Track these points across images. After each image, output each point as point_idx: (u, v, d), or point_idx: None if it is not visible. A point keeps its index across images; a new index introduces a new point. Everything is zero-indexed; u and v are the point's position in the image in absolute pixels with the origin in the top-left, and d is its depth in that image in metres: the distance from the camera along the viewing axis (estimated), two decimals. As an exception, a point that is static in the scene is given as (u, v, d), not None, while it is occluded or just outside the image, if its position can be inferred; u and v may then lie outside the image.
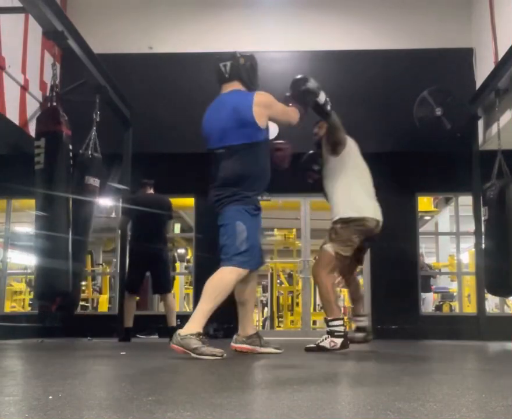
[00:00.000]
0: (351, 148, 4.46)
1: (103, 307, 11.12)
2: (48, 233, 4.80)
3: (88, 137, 5.98)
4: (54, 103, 5.24)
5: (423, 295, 9.02)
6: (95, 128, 6.01)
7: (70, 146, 5.11)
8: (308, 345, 4.25)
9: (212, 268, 3.62)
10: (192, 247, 9.06)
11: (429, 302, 10.59)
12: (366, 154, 8.29)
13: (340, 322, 4.14)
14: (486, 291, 7.05)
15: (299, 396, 1.76)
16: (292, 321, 11.52)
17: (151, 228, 6.34)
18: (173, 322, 6.41)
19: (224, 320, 7.61)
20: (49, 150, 4.93)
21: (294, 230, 11.67)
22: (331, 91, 7.90)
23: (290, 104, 3.96)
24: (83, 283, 11.14)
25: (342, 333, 4.11)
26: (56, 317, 7.55)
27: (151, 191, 6.66)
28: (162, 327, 7.65)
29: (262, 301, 14.43)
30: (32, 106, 7.04)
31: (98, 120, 6.09)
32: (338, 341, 4.08)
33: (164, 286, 6.52)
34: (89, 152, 5.81)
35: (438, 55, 7.97)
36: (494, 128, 6.86)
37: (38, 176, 4.96)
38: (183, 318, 7.82)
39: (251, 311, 4.09)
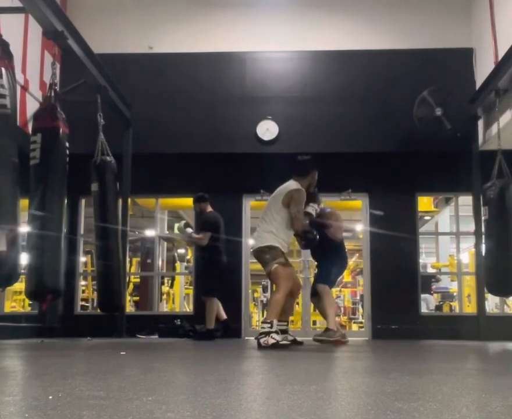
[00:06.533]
0: None
1: (103, 307, 11.09)
2: (41, 229, 4.71)
3: (98, 142, 6.07)
4: (52, 102, 5.20)
5: (423, 296, 9.00)
6: (101, 133, 6.07)
7: (67, 144, 5.05)
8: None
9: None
10: (192, 247, 9.04)
11: (430, 302, 10.58)
12: (366, 154, 8.26)
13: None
14: (486, 290, 7.04)
15: (299, 396, 1.76)
16: (292, 321, 11.50)
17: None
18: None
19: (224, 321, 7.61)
20: (45, 145, 4.86)
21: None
22: (331, 91, 8.02)
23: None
24: (83, 283, 11.16)
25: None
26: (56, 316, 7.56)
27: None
28: (162, 327, 7.67)
29: (262, 301, 14.43)
30: (32, 106, 7.02)
31: (103, 123, 6.11)
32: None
33: None
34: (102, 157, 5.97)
35: (438, 55, 7.95)
36: (494, 128, 6.85)
37: (33, 171, 4.88)
38: (183, 318, 7.86)
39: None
